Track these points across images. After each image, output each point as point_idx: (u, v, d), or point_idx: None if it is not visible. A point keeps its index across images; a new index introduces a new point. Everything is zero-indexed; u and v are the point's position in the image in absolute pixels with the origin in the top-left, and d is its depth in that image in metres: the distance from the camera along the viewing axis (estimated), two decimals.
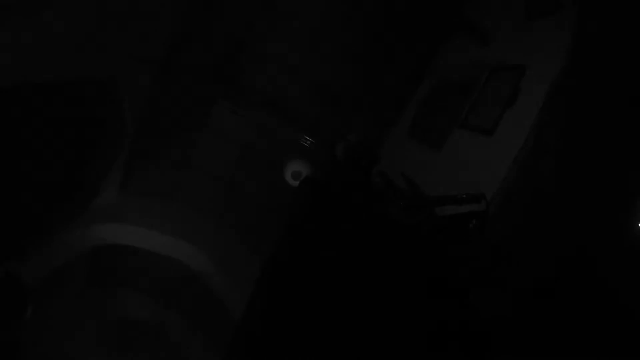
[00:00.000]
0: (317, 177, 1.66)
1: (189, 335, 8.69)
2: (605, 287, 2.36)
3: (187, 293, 8.61)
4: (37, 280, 6.48)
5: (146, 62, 6.88)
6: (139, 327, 8.53)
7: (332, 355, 1.16)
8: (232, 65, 7.88)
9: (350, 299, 1.34)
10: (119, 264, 8.26)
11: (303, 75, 7.86)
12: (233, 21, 7.56)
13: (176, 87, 7.27)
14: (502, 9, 5.33)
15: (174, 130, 8.22)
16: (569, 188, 3.31)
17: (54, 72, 5.54)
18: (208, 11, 7.38)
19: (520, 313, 2.59)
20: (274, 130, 7.48)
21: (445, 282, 1.52)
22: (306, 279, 1.32)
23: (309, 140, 7.11)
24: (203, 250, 8.15)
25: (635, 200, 2.79)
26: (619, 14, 3.21)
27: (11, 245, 5.82)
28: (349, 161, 4.12)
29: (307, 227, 1.47)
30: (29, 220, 5.90)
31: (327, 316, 1.21)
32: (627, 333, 2.22)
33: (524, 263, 3.19)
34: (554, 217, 3.26)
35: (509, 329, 2.24)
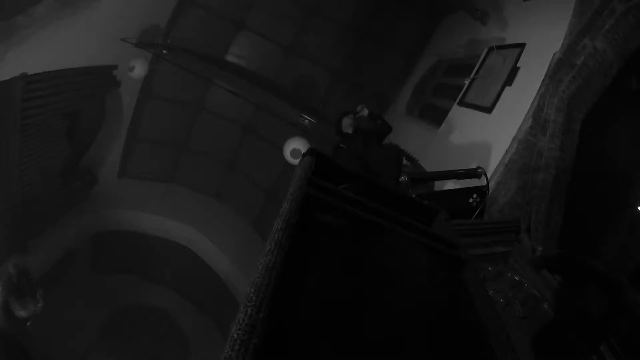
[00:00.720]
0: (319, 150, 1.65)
1: (197, 319, 8.77)
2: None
3: (191, 277, 8.68)
4: (42, 271, 6.47)
5: (143, 46, 6.87)
6: (144, 313, 8.59)
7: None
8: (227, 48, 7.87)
9: (360, 271, 1.34)
10: (121, 250, 8.32)
11: (300, 53, 7.86)
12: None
13: (172, 69, 7.24)
14: None
15: (171, 113, 8.27)
16: (571, 165, 3.41)
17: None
18: None
19: None
20: (272, 110, 7.49)
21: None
22: (316, 248, 1.31)
23: (307, 119, 7.13)
24: (204, 232, 8.24)
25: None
26: None
27: (13, 239, 5.87)
28: (359, 132, 4.16)
29: (311, 192, 1.45)
30: (28, 213, 5.95)
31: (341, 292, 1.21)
32: None
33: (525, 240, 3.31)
34: (554, 193, 3.37)
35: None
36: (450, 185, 4.44)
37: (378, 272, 1.35)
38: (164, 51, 7.37)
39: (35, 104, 5.42)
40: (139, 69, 6.88)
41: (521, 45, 4.41)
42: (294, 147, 6.26)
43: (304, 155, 1.68)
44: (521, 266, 3.15)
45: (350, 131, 4.18)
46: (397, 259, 1.47)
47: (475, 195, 3.84)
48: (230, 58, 7.97)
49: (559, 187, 3.31)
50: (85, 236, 7.67)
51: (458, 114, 5.18)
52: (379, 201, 1.58)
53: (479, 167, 4.02)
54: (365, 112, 4.19)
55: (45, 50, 5.45)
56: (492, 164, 4.10)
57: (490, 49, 4.92)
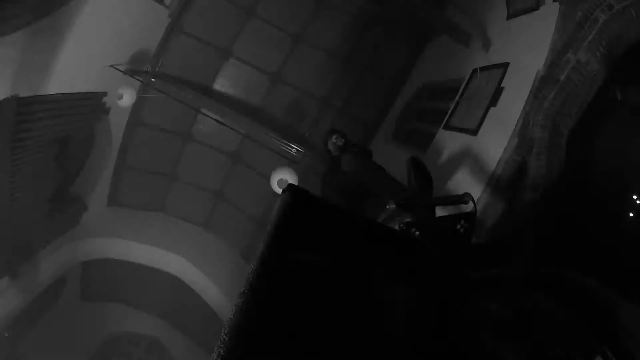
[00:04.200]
0: (299, 186, 1.59)
1: (187, 347, 8.62)
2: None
3: (181, 305, 8.55)
4: (31, 296, 6.44)
5: (133, 74, 6.85)
6: (135, 342, 8.55)
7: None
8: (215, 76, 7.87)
9: (336, 305, 1.24)
10: (111, 278, 8.24)
11: (287, 81, 7.84)
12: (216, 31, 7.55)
13: (161, 98, 7.20)
14: (483, 9, 5.34)
15: (160, 141, 8.20)
16: (558, 184, 3.26)
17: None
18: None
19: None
20: (260, 140, 7.42)
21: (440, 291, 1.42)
22: (290, 286, 1.23)
23: (294, 147, 7.03)
24: (193, 262, 8.12)
25: (628, 192, 2.74)
26: None
27: (3, 264, 5.73)
28: (340, 155, 4.09)
29: (287, 234, 1.38)
30: (18, 238, 5.83)
31: (314, 326, 1.13)
32: None
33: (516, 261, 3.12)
34: (543, 213, 3.20)
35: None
36: (439, 210, 4.26)
37: (353, 311, 1.32)
38: (152, 79, 7.33)
39: (26, 127, 5.32)
40: (127, 98, 6.78)
41: (505, 65, 4.32)
42: (281, 178, 6.10)
43: (283, 192, 1.65)
44: (513, 287, 2.94)
45: (337, 153, 4.10)
46: (374, 298, 1.43)
47: (462, 221, 3.64)
48: (217, 87, 7.93)
49: (547, 205, 3.13)
50: (74, 263, 7.54)
51: (444, 138, 5.05)
52: (358, 237, 1.55)
53: (465, 194, 3.85)
54: (341, 142, 4.12)
55: (34, 73, 5.38)
56: (480, 186, 3.94)
57: (474, 71, 4.84)
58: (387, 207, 3.73)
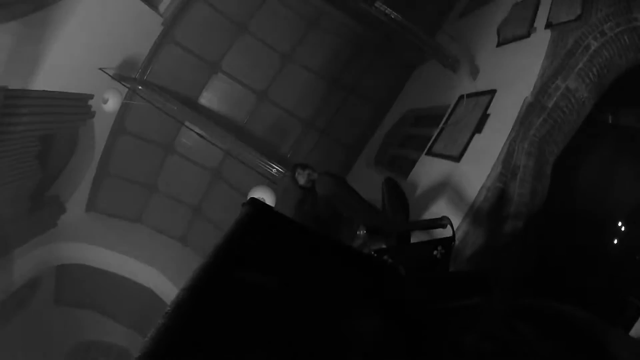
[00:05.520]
0: (261, 201, 1.45)
1: None
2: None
3: (151, 317, 8.34)
4: (5, 294, 6.36)
5: (121, 79, 6.74)
6: (105, 351, 8.45)
7: None
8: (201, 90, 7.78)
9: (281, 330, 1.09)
10: (84, 285, 8.06)
11: (272, 100, 7.76)
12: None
13: (146, 107, 7.07)
14: (473, 36, 5.31)
15: (142, 151, 8.03)
16: (541, 212, 3.12)
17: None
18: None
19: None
20: (241, 157, 7.29)
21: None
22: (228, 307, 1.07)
23: (275, 167, 6.89)
24: (166, 275, 7.91)
25: (613, 218, 2.60)
26: None
27: None
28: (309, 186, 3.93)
29: (237, 250, 1.31)
30: None
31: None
32: None
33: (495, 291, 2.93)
34: (525, 242, 3.04)
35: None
36: (416, 236, 4.07)
37: (302, 343, 1.18)
38: (139, 87, 7.19)
39: (11, 121, 5.21)
40: (112, 103, 6.62)
41: (492, 92, 4.23)
42: (258, 196, 5.95)
43: (243, 205, 1.57)
44: (492, 317, 2.74)
45: (309, 185, 3.93)
46: (331, 328, 1.28)
47: (440, 247, 3.44)
48: (203, 100, 7.83)
49: (529, 235, 2.96)
50: (49, 265, 7.40)
51: (426, 164, 4.92)
52: (320, 260, 1.45)
53: (443, 217, 3.67)
54: (315, 176, 3.96)
55: (25, 63, 5.27)
56: (460, 213, 3.77)
57: (460, 98, 4.75)
58: (358, 232, 3.55)
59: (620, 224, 2.57)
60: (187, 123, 7.48)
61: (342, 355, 1.16)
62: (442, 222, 3.52)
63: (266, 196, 5.93)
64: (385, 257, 2.97)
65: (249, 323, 1.09)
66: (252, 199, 1.60)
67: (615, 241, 2.54)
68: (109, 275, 7.92)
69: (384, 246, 3.53)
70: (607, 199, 2.75)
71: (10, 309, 6.75)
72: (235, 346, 1.03)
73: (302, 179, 3.98)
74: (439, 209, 4.15)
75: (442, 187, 4.33)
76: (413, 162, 5.20)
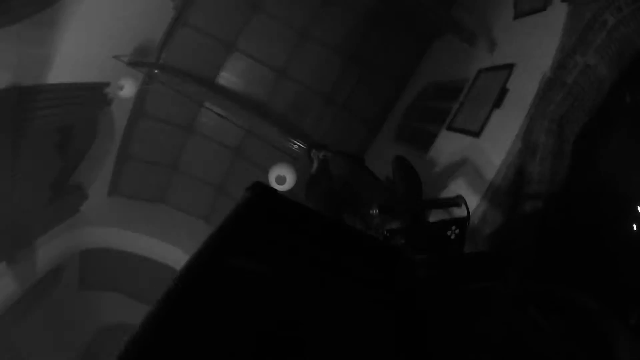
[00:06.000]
0: (266, 185, 1.42)
1: None
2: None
3: None
4: (29, 282, 6.44)
5: (137, 65, 6.80)
6: (128, 332, 8.65)
7: None
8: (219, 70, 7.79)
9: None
10: (108, 268, 8.22)
11: (291, 77, 7.75)
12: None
13: (164, 90, 7.15)
14: (490, 9, 5.20)
15: (162, 133, 8.17)
16: (562, 192, 3.14)
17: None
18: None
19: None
20: (262, 135, 7.36)
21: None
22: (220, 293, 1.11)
23: (296, 144, 6.95)
24: (191, 254, 8.03)
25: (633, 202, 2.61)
26: None
27: (1, 249, 5.73)
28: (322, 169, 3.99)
29: (234, 236, 1.28)
30: (17, 223, 5.83)
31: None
32: None
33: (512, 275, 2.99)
34: (545, 223, 3.08)
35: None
36: (434, 215, 4.13)
37: (300, 333, 1.16)
38: (156, 71, 7.27)
39: (28, 116, 5.32)
40: (128, 89, 6.73)
41: (510, 66, 4.18)
42: (279, 174, 6.03)
43: (246, 190, 1.51)
44: (506, 303, 2.82)
45: (323, 166, 3.99)
46: (332, 318, 1.25)
47: (454, 227, 3.45)
48: (221, 80, 7.84)
49: (549, 215, 3.01)
50: (73, 251, 7.54)
51: (446, 139, 4.93)
52: (326, 245, 1.39)
53: (458, 196, 3.68)
54: (329, 155, 3.98)
55: (36, 64, 5.35)
56: (480, 190, 3.82)
57: (479, 72, 4.71)
58: (371, 212, 3.58)
59: None
60: (206, 103, 7.57)
61: (341, 349, 1.15)
62: (456, 201, 3.54)
63: (287, 173, 6.00)
64: (398, 237, 2.99)
65: (240, 313, 1.09)
66: (257, 182, 1.54)
67: (635, 227, 2.57)
68: (133, 257, 8.09)
69: (397, 226, 3.58)
70: (629, 182, 2.75)
71: (36, 296, 6.91)
72: (224, 336, 1.03)
73: (316, 160, 4.03)
74: (458, 186, 4.20)
75: (461, 163, 4.36)
76: (433, 137, 5.20)
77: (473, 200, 3.73)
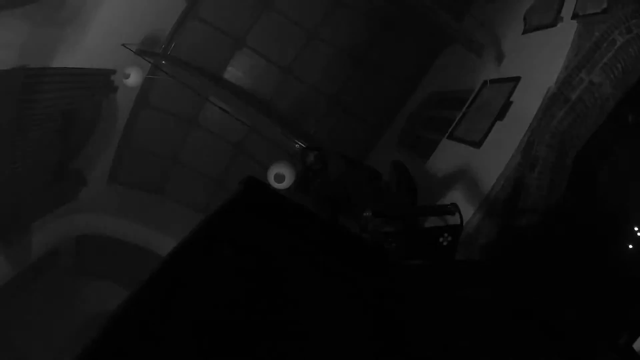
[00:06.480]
0: (259, 180, 1.45)
1: None
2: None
3: None
4: (25, 264, 6.44)
5: (144, 55, 6.80)
6: None
7: None
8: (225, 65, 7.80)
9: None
10: (103, 255, 8.16)
11: (297, 76, 7.75)
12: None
13: (169, 81, 7.16)
14: (500, 22, 5.22)
15: (165, 125, 8.17)
16: (559, 206, 3.15)
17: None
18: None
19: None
20: (264, 132, 7.36)
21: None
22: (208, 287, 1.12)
23: (298, 143, 6.95)
24: None
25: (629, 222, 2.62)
26: None
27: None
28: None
29: (222, 228, 1.31)
30: (16, 204, 5.83)
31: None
32: None
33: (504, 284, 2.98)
34: (540, 237, 3.08)
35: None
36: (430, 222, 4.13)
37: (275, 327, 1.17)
38: (163, 62, 7.27)
39: (32, 98, 5.32)
40: (134, 78, 6.74)
41: (516, 79, 4.19)
42: (278, 172, 6.03)
43: (239, 183, 1.53)
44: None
45: (319, 167, 3.98)
46: (312, 313, 1.27)
47: (446, 235, 3.46)
48: (227, 75, 7.85)
49: (545, 229, 3.02)
50: (69, 236, 7.53)
51: (447, 148, 4.94)
52: (310, 240, 1.43)
53: (452, 204, 3.69)
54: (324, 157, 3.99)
55: (44, 46, 5.36)
56: (476, 200, 3.82)
57: (484, 83, 4.72)
58: (365, 214, 3.58)
59: (637, 229, 2.58)
60: (211, 98, 7.57)
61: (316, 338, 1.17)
62: (449, 208, 3.54)
63: (286, 172, 5.99)
64: (390, 240, 2.99)
65: (220, 300, 1.11)
66: (250, 177, 1.56)
67: (631, 246, 2.56)
68: (129, 247, 8.04)
69: (390, 230, 3.59)
70: (626, 201, 2.75)
71: (30, 279, 6.92)
72: (203, 321, 1.04)
73: (309, 161, 4.03)
74: (455, 194, 4.20)
75: (460, 173, 4.36)
76: (435, 144, 5.21)
77: (469, 210, 3.72)
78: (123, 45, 6.47)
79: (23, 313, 7.02)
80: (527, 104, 3.82)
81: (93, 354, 0.75)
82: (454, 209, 3.17)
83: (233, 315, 1.08)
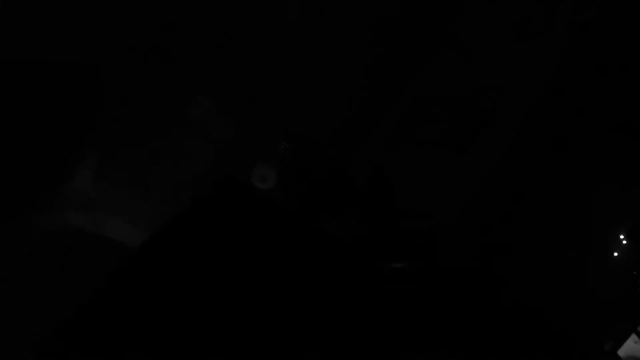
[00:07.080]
0: (237, 179, 1.47)
1: None
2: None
3: None
4: (4, 262, 6.40)
5: (132, 50, 6.74)
6: None
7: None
8: (216, 59, 7.76)
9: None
10: (86, 253, 7.83)
11: (284, 76, 7.73)
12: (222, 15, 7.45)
13: (157, 78, 7.11)
14: (490, 29, 5.22)
15: (153, 122, 8.05)
16: (538, 213, 3.11)
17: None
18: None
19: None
20: (252, 130, 7.32)
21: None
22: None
23: (284, 144, 6.91)
24: None
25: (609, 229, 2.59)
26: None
27: None
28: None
29: (193, 226, 1.36)
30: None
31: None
32: None
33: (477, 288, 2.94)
34: (518, 242, 3.04)
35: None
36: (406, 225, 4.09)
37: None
38: (153, 56, 7.21)
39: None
40: (127, 74, 6.68)
41: (503, 87, 4.17)
42: (262, 173, 6.01)
43: (214, 184, 1.59)
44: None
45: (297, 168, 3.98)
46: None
47: (424, 239, 3.45)
48: (216, 71, 7.81)
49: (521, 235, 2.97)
50: (52, 231, 7.42)
51: (431, 153, 4.90)
52: (278, 239, 1.47)
53: (431, 209, 3.67)
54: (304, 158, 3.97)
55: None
56: (458, 205, 3.77)
57: (471, 89, 4.69)
58: (343, 216, 3.56)
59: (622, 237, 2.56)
60: (199, 91, 7.52)
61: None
62: (430, 213, 3.51)
63: (270, 172, 5.96)
64: (367, 243, 2.98)
65: (184, 295, 1.11)
66: (225, 176, 1.62)
67: (616, 254, 2.54)
68: (112, 243, 7.86)
69: (367, 233, 3.53)
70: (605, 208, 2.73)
71: (8, 275, 6.80)
72: (166, 315, 1.04)
73: (289, 162, 4.01)
74: (436, 199, 4.16)
75: (442, 178, 4.32)
76: (419, 149, 5.18)
77: (450, 214, 3.67)
78: (115, 38, 6.46)
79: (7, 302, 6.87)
80: (513, 110, 3.80)
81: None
82: (433, 215, 3.15)
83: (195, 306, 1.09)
